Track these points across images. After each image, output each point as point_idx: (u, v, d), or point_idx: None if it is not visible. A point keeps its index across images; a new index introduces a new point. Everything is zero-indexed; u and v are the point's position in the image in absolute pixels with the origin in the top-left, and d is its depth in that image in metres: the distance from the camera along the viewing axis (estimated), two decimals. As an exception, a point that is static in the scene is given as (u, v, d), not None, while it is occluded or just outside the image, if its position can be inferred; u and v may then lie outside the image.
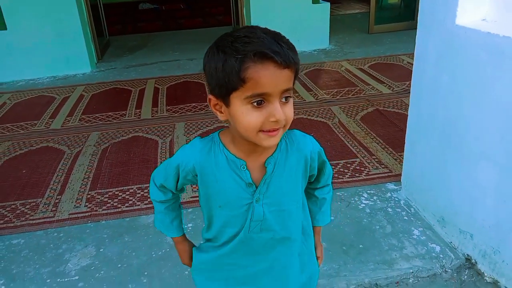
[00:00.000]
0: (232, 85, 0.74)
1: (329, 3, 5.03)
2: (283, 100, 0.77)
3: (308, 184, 1.02)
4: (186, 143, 0.94)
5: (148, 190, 2.26)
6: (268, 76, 0.73)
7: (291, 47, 0.77)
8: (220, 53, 0.75)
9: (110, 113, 3.42)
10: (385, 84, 3.72)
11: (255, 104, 0.75)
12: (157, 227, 1.08)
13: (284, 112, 0.77)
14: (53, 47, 4.47)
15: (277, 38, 0.76)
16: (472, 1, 1.65)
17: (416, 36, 1.92)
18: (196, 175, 0.90)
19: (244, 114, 0.76)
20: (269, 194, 0.90)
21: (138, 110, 3.47)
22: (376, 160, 2.49)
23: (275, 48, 0.73)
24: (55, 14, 4.38)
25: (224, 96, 0.77)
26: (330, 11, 5.08)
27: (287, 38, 0.78)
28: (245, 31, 0.76)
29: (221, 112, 0.82)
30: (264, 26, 0.79)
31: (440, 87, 1.79)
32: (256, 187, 0.88)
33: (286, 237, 0.96)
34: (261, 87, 0.73)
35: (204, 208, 0.98)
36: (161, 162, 2.59)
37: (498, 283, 1.60)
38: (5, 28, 4.38)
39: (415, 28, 1.94)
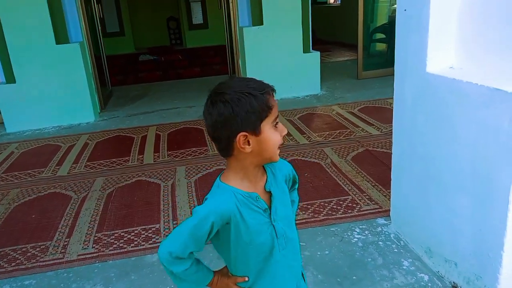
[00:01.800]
0: (264, 114, 0.98)
1: (319, 52, 5.37)
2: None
3: None
4: (198, 206, 1.02)
5: (152, 231, 2.38)
6: (276, 103, 1.01)
7: None
8: (248, 95, 0.96)
9: (114, 159, 3.60)
10: (374, 126, 3.94)
11: (275, 125, 1.01)
12: None
13: None
14: (58, 98, 4.72)
15: (256, 79, 1.04)
16: (440, 52, 1.89)
17: (394, 82, 2.14)
18: (228, 223, 1.01)
19: (273, 135, 1.00)
20: (279, 212, 1.09)
21: (140, 156, 3.65)
22: (367, 197, 2.65)
23: (268, 84, 1.02)
24: (61, 67, 4.66)
25: (258, 127, 0.98)
26: (321, 59, 5.42)
27: (270, 84, 1.04)
28: (246, 79, 1.02)
29: (248, 146, 0.99)
30: (258, 74, 1.07)
31: (417, 126, 1.99)
32: (270, 210, 1.07)
33: (297, 241, 1.17)
34: (276, 111, 1.01)
35: (231, 251, 1.07)
36: (163, 204, 2.73)
37: (483, 308, 1.71)
38: (14, 82, 4.65)
39: (401, 74, 2.17)
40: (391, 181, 2.30)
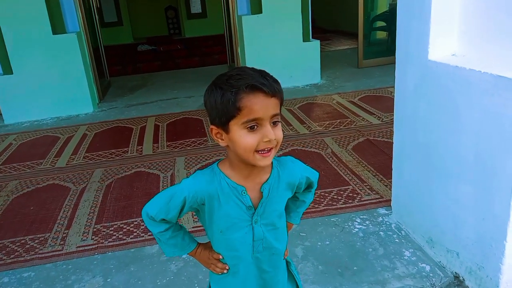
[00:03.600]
0: (230, 114, 0.90)
1: (318, 41, 5.31)
2: (273, 124, 0.93)
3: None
4: (187, 176, 1.05)
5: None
6: (259, 104, 0.90)
7: (275, 80, 0.95)
8: (218, 89, 0.92)
9: (113, 150, 3.57)
10: (374, 115, 3.90)
11: (250, 128, 0.91)
12: (170, 254, 1.11)
13: (275, 133, 0.93)
14: (57, 89, 4.68)
15: (263, 73, 0.94)
16: (442, 38, 1.85)
17: (395, 70, 2.11)
18: (203, 204, 1.01)
19: (242, 137, 0.91)
20: (266, 216, 1.04)
21: (139, 147, 3.62)
22: (368, 187, 2.62)
23: (262, 80, 0.91)
24: (59, 58, 4.61)
25: (224, 124, 0.93)
26: (321, 48, 5.36)
27: (271, 74, 0.96)
28: (237, 71, 0.94)
29: (222, 139, 0.97)
30: (258, 64, 1.00)
31: (419, 114, 1.96)
32: (254, 210, 1.02)
33: (281, 251, 1.10)
34: (254, 113, 0.89)
35: (207, 232, 1.10)
36: (163, 195, 2.71)
37: (485, 298, 1.70)
38: (11, 73, 4.60)
39: (402, 62, 2.13)
40: (392, 170, 2.27)
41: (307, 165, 1.16)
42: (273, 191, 1.04)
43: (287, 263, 1.19)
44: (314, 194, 1.26)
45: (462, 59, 1.75)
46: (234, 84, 0.90)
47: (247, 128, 0.91)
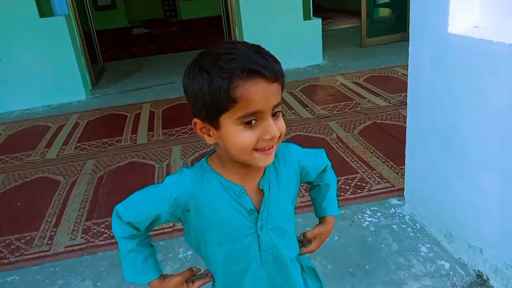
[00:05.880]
0: (221, 107, 0.70)
1: (320, 19, 5.06)
2: (273, 115, 0.73)
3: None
4: (171, 174, 0.85)
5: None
6: (259, 93, 0.69)
7: (276, 60, 0.74)
8: (203, 73, 0.70)
9: (105, 140, 3.38)
10: (381, 97, 3.69)
11: (247, 123, 0.71)
12: (127, 278, 0.88)
13: (277, 126, 0.73)
14: (47, 76, 4.46)
15: (259, 50, 0.72)
16: (463, 9, 1.64)
17: (409, 46, 1.90)
18: (188, 210, 0.81)
19: (237, 135, 0.71)
20: (271, 219, 0.85)
21: (134, 135, 3.43)
22: (378, 175, 2.44)
23: (261, 62, 0.69)
24: (48, 43, 4.38)
25: (213, 119, 0.72)
26: (322, 27, 5.10)
27: (267, 50, 0.74)
28: (226, 47, 0.72)
29: (209, 135, 0.77)
30: (256, 43, 0.75)
31: (437, 94, 1.76)
32: (258, 214, 0.83)
33: (294, 259, 0.92)
34: (254, 105, 0.69)
35: (200, 246, 0.89)
36: (158, 188, 2.54)
37: (512, 299, 1.53)
38: (-2, 59, 4.39)
39: (407, 40, 1.92)
40: (405, 157, 2.08)
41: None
42: (273, 186, 0.84)
43: (302, 270, 0.97)
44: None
45: (487, 31, 1.54)
46: (225, 67, 0.68)
47: (244, 123, 0.71)
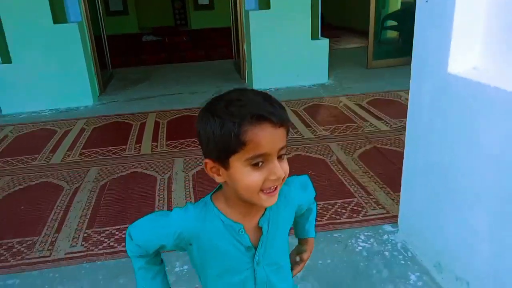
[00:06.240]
0: (232, 149, 0.76)
1: (328, 39, 5.15)
2: (279, 157, 0.80)
3: None
4: (178, 207, 0.91)
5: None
6: (267, 137, 0.75)
7: (282, 106, 0.80)
8: (215, 118, 0.76)
9: (110, 148, 3.45)
10: (383, 121, 3.76)
11: (255, 165, 0.77)
12: None
13: (282, 168, 0.79)
14: (56, 80, 4.56)
15: (267, 98, 0.79)
16: (463, 50, 1.70)
17: (410, 80, 1.97)
18: (190, 244, 0.88)
19: (246, 175, 0.77)
20: (267, 255, 0.91)
21: (138, 145, 3.50)
22: (374, 200, 2.49)
23: (269, 109, 0.76)
24: (59, 48, 4.48)
25: (223, 160, 0.79)
26: (330, 46, 5.19)
27: (275, 97, 0.82)
28: (236, 94, 0.79)
29: (218, 175, 0.83)
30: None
31: (434, 131, 1.82)
32: (255, 249, 0.89)
33: None
34: (261, 148, 0.75)
35: (200, 276, 0.96)
36: (158, 199, 2.60)
37: (497, 334, 1.57)
38: (10, 62, 4.48)
39: (412, 64, 1.99)
40: (401, 186, 2.13)
41: (311, 172, 1.03)
42: (273, 224, 0.90)
43: None
44: (317, 207, 1.13)
45: (485, 75, 1.60)
46: (236, 113, 0.75)
47: (252, 164, 0.77)
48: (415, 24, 1.89)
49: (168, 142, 3.55)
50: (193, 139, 3.56)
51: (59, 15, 4.54)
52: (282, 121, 0.77)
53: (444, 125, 1.74)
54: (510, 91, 1.40)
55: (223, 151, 0.77)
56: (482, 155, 1.53)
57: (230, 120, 0.75)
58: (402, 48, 6.02)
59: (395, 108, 4.03)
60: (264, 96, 0.79)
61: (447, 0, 1.68)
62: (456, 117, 1.66)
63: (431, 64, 1.81)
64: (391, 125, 3.64)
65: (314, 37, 5.09)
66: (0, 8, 4.27)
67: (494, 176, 1.49)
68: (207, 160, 0.83)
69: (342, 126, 3.69)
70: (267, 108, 0.76)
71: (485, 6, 1.64)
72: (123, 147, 3.47)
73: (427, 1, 1.83)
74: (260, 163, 0.77)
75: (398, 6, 6.39)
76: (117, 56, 7.02)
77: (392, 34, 6.58)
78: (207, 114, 0.79)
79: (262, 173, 0.78)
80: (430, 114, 1.85)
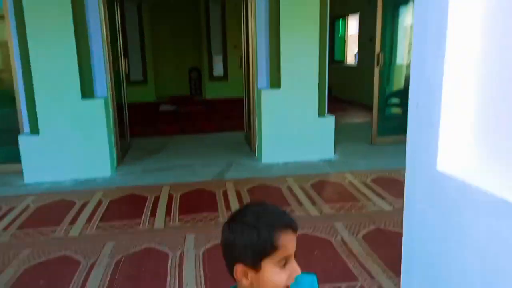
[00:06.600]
0: (266, 253, 0.96)
1: (333, 117, 5.46)
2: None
3: None
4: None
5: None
6: (291, 242, 0.99)
7: (293, 216, 1.05)
8: (252, 229, 0.97)
9: (126, 221, 3.63)
10: (386, 200, 3.91)
11: (282, 265, 0.98)
12: None
13: None
14: (78, 151, 4.84)
15: (283, 211, 1.04)
16: (452, 150, 1.91)
17: (405, 172, 2.16)
18: None
19: (276, 275, 0.97)
20: None
21: (152, 218, 3.68)
22: (377, 284, 2.59)
23: (290, 219, 1.01)
24: (84, 121, 4.81)
25: (256, 263, 0.98)
26: (336, 120, 5.49)
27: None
28: (261, 208, 1.03)
29: (246, 278, 1.00)
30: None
31: (427, 223, 1.97)
32: None
33: None
34: (288, 251, 0.98)
35: None
36: (170, 278, 2.72)
37: None
38: (38, 133, 4.82)
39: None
40: (401, 272, 2.25)
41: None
42: None
43: None
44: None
45: (471, 174, 1.78)
46: (268, 223, 0.97)
47: (280, 265, 0.98)
48: (408, 125, 2.12)
49: (181, 216, 3.72)
50: (205, 214, 3.73)
51: (87, 90, 4.92)
52: (297, 228, 1.02)
53: (436, 218, 1.90)
54: (489, 192, 1.57)
55: (258, 255, 0.97)
56: (469, 249, 1.67)
57: (265, 229, 0.97)
58: (406, 125, 6.29)
59: (398, 188, 4.18)
60: (280, 210, 1.04)
61: (435, 106, 1.92)
62: (445, 212, 1.83)
63: (422, 162, 2.01)
64: (394, 206, 3.79)
65: (321, 114, 5.41)
66: (35, 83, 4.67)
67: (481, 271, 1.62)
68: (239, 266, 1.01)
69: (347, 205, 3.85)
70: (287, 218, 1.01)
71: (472, 110, 1.86)
72: (138, 220, 3.65)
73: (417, 104, 2.08)
74: (284, 264, 0.98)
75: (402, 83, 6.77)
76: (135, 124, 7.41)
77: (396, 110, 6.90)
78: (242, 226, 1.00)
79: (285, 272, 0.99)
80: (423, 207, 2.02)
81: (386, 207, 3.77)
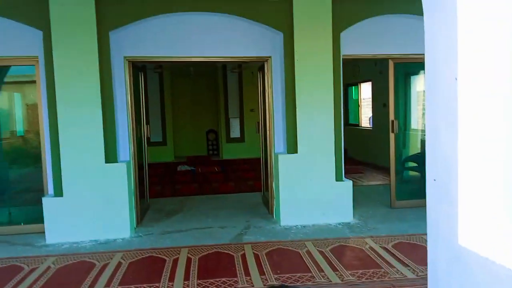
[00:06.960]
0: None
1: (351, 182, 5.50)
2: None
3: None
4: None
5: None
6: None
7: None
8: None
9: (144, 285, 3.61)
10: (409, 268, 3.82)
11: None
12: None
13: None
14: (99, 213, 4.94)
15: None
16: (473, 224, 1.93)
17: (427, 246, 2.16)
18: None
19: None
20: None
21: (170, 283, 3.65)
22: None
23: None
24: (106, 184, 4.95)
25: None
26: (353, 182, 5.51)
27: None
28: None
29: None
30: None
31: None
32: None
33: None
34: None
35: None
36: None
37: None
38: (62, 195, 4.96)
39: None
40: None
41: None
42: None
43: None
44: None
45: (494, 250, 1.80)
46: None
47: None
48: (426, 200, 2.16)
49: (199, 281, 3.69)
50: (223, 279, 3.69)
51: (111, 156, 5.13)
52: None
53: (461, 290, 1.88)
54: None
55: None
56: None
57: None
58: (425, 190, 6.26)
59: (421, 254, 4.11)
60: None
61: (451, 179, 1.97)
62: (469, 284, 1.81)
63: (443, 235, 2.02)
64: (417, 273, 3.70)
65: (338, 179, 5.46)
66: (62, 148, 4.89)
67: None
68: None
69: (369, 272, 3.77)
70: None
71: (490, 183, 1.91)
72: (157, 285, 3.63)
73: (434, 180, 2.13)
74: None
75: (418, 146, 6.84)
76: (154, 184, 7.56)
77: (414, 174, 6.90)
78: None
79: None
80: (447, 278, 2.00)
81: (410, 274, 3.68)
